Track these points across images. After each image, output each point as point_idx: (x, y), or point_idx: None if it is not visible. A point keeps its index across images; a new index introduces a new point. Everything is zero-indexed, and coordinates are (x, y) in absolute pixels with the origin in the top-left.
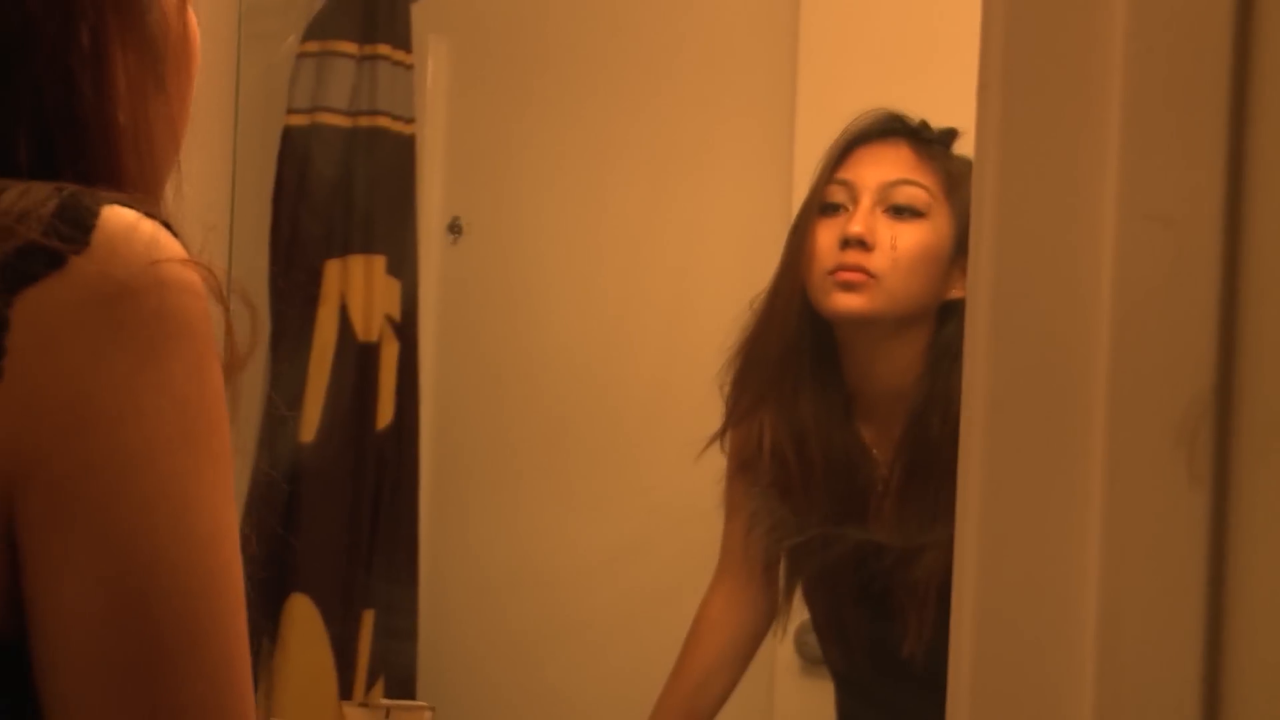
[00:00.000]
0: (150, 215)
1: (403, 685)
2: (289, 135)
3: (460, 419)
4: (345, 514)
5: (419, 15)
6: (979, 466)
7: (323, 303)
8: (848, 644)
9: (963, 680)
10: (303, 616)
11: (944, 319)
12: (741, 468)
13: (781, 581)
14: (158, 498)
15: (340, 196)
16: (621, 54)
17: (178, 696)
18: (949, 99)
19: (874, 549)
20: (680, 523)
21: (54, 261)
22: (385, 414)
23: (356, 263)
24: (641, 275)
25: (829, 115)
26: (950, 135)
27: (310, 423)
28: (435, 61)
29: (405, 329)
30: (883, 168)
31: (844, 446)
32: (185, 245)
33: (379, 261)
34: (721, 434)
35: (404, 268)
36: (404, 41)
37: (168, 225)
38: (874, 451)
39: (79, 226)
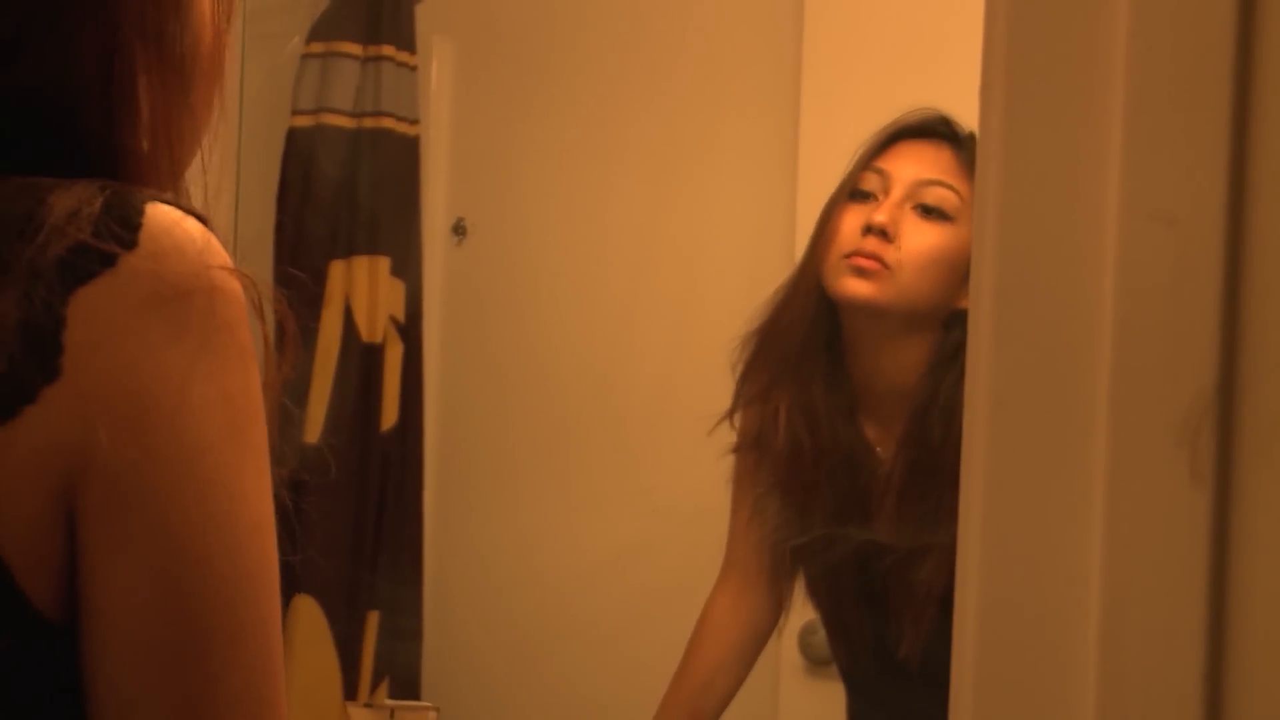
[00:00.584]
0: (190, 213)
1: (407, 686)
2: (293, 136)
3: (464, 420)
4: (350, 515)
5: (423, 16)
6: (982, 464)
7: (327, 304)
8: (851, 643)
9: (965, 680)
10: (307, 617)
11: (950, 326)
12: (749, 447)
13: (785, 579)
14: (210, 489)
15: (344, 197)
16: (625, 54)
17: (219, 685)
18: (953, 99)
19: (876, 548)
20: (684, 523)
21: (106, 260)
22: (390, 415)
23: (361, 264)
24: (646, 276)
25: (833, 117)
26: None
27: (315, 423)
28: (439, 63)
29: (410, 330)
30: (921, 165)
31: (849, 440)
32: (221, 240)
33: (383, 263)
34: (732, 412)
35: (408, 269)
36: (408, 43)
37: (204, 220)
38: (876, 449)
39: (127, 225)
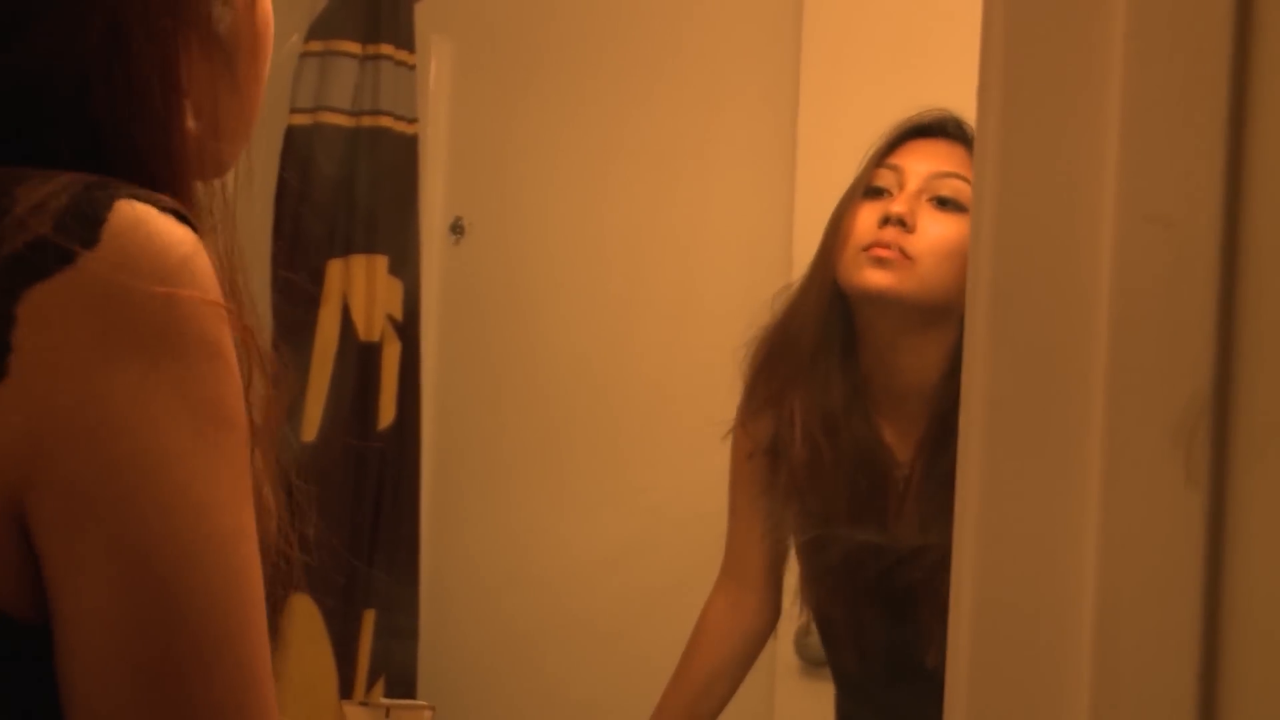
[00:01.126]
0: (170, 210)
1: (403, 684)
2: (291, 135)
3: (461, 419)
4: (346, 514)
5: (422, 15)
6: (978, 465)
7: (324, 302)
8: (863, 646)
9: (960, 679)
10: (303, 616)
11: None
12: (759, 455)
13: (801, 583)
14: (175, 501)
15: (342, 196)
16: (623, 54)
17: (196, 700)
18: (952, 97)
19: (894, 550)
20: (680, 523)
21: (64, 257)
22: (386, 414)
23: (358, 263)
24: (643, 276)
25: (831, 116)
26: None
27: (311, 422)
28: (438, 62)
29: (407, 329)
30: (934, 160)
31: (868, 443)
32: (201, 231)
33: (381, 261)
34: (745, 418)
35: (406, 268)
36: (407, 41)
37: (186, 219)
38: (891, 449)
39: (89, 221)
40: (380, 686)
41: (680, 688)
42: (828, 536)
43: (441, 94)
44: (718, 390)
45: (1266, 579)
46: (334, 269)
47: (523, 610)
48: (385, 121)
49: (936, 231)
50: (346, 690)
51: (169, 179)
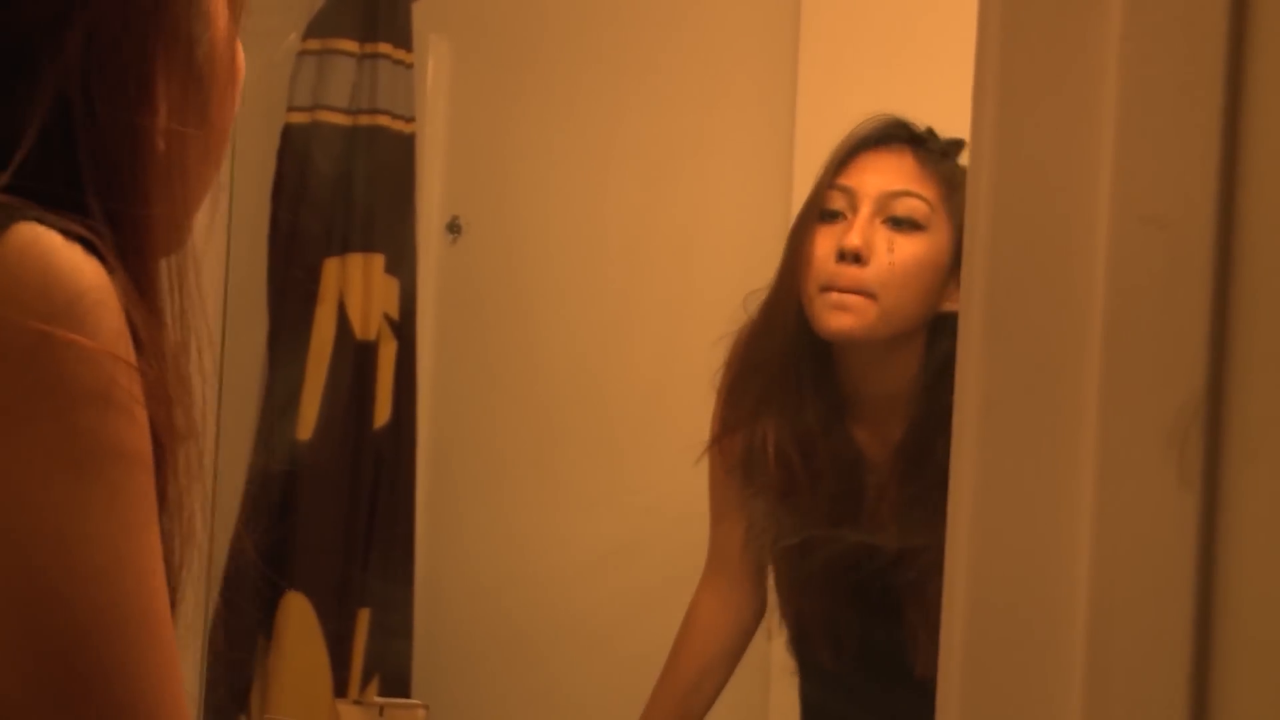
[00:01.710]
0: (78, 238)
1: (398, 683)
2: (289, 133)
3: (457, 418)
4: (342, 512)
5: (420, 14)
6: (971, 466)
7: (321, 301)
8: (837, 648)
9: (953, 679)
10: (298, 614)
11: (939, 329)
12: (736, 470)
13: (776, 584)
14: (35, 537)
15: (340, 195)
16: (621, 54)
17: None
18: (949, 96)
19: (873, 552)
20: (676, 522)
21: None
22: (383, 413)
23: (355, 261)
24: (640, 275)
25: (829, 115)
26: (955, 146)
27: (307, 421)
28: (436, 61)
29: (403, 328)
30: (884, 176)
31: (840, 451)
32: (109, 260)
33: (378, 260)
34: (719, 440)
35: (403, 266)
36: (405, 40)
37: (87, 242)
38: (867, 455)
39: None
40: (375, 685)
41: (670, 684)
42: (802, 544)
43: (439, 93)
44: (712, 392)
45: (1259, 581)
46: (330, 267)
47: (517, 609)
48: (383, 120)
49: (895, 256)
50: (341, 689)
51: (133, 197)
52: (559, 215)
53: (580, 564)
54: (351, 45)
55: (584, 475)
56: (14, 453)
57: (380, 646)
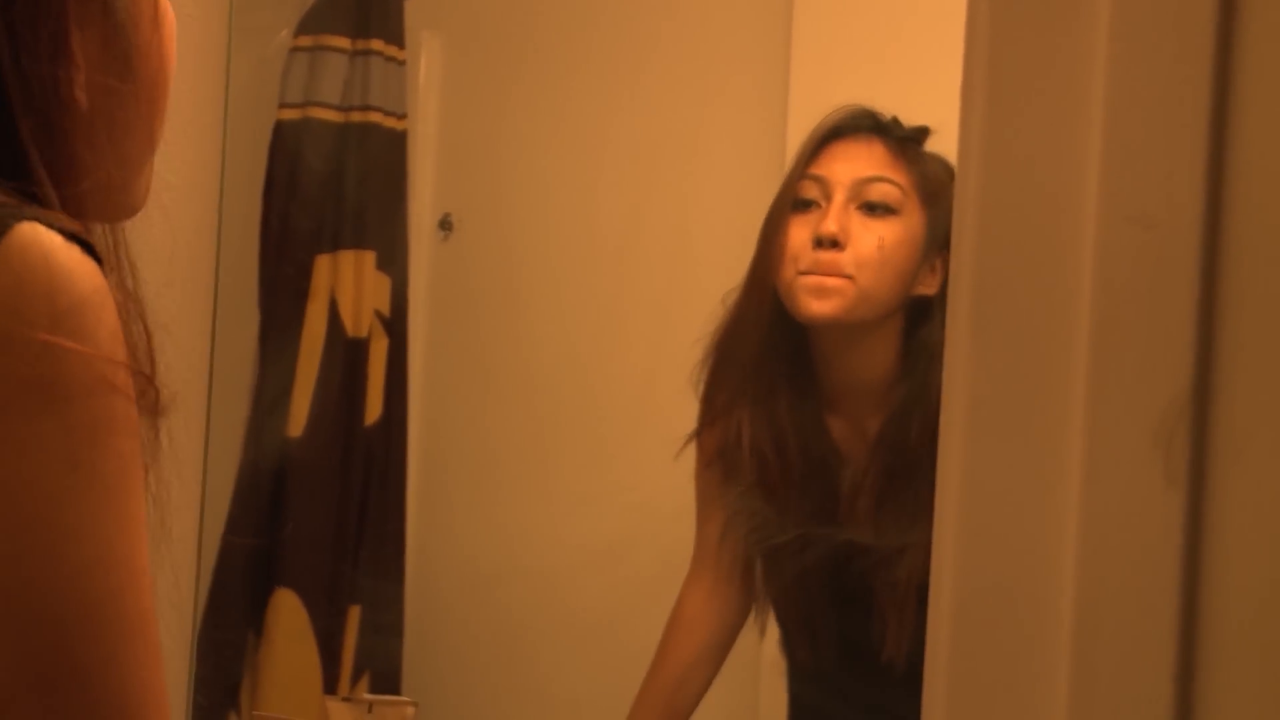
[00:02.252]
0: (76, 238)
1: (388, 681)
2: (280, 129)
3: (449, 415)
4: (332, 509)
5: (412, 11)
6: (958, 464)
7: (312, 298)
8: (817, 640)
9: (938, 678)
10: (288, 611)
11: (914, 317)
12: (715, 464)
13: (758, 579)
14: (28, 526)
15: (331, 191)
16: (613, 50)
17: None
18: (941, 89)
19: (850, 547)
20: (667, 519)
21: None
22: (374, 409)
23: (347, 258)
24: (632, 272)
25: (822, 113)
26: (922, 133)
27: (298, 417)
28: (428, 57)
29: (395, 325)
30: (856, 164)
31: (816, 444)
32: (103, 252)
33: (369, 257)
34: (698, 433)
35: (394, 263)
36: (397, 37)
37: (85, 244)
38: (842, 448)
39: None
40: (365, 682)
41: (657, 679)
42: (782, 539)
43: (431, 90)
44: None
45: (1244, 580)
46: (322, 264)
47: (509, 606)
48: (375, 117)
49: (869, 241)
50: (331, 686)
51: (60, 154)
52: (551, 213)
53: (572, 561)
54: (343, 42)
55: (576, 472)
56: (13, 449)
57: (370, 644)
